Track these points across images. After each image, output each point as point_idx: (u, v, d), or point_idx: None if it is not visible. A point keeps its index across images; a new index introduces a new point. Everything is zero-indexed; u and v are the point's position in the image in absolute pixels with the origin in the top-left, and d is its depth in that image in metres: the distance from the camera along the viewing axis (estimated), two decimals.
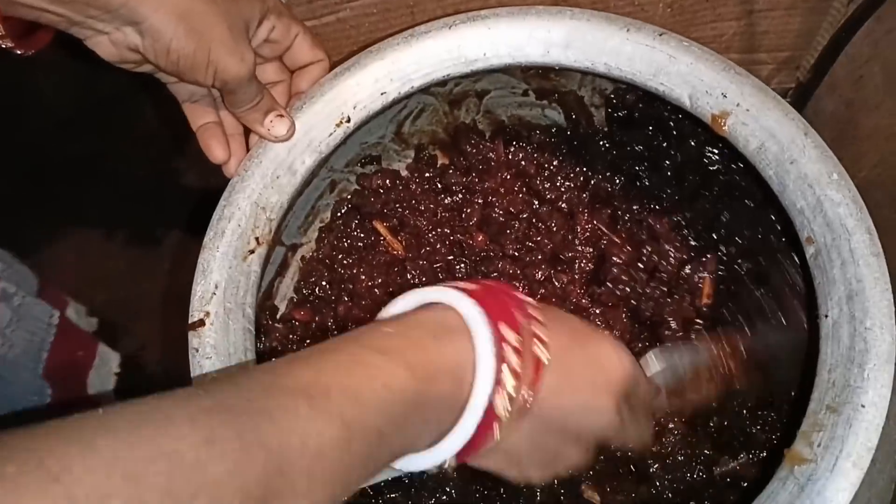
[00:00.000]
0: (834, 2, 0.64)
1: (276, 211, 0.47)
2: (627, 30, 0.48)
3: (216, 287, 0.44)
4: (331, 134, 0.48)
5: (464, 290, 0.35)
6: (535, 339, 0.35)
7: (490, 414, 0.33)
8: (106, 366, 0.84)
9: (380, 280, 0.57)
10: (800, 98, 0.70)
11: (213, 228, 0.45)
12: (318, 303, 0.57)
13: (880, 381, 0.37)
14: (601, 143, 0.57)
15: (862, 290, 0.39)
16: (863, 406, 0.36)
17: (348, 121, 0.48)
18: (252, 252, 0.45)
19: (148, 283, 0.96)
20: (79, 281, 0.96)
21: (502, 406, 0.33)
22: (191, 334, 0.43)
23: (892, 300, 0.39)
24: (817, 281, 0.40)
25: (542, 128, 0.59)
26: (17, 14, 0.40)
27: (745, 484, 0.49)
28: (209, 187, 0.96)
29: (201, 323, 0.43)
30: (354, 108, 0.48)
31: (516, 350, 0.34)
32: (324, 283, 0.57)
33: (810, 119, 0.55)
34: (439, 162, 0.61)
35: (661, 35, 0.47)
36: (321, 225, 0.60)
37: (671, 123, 0.54)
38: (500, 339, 0.33)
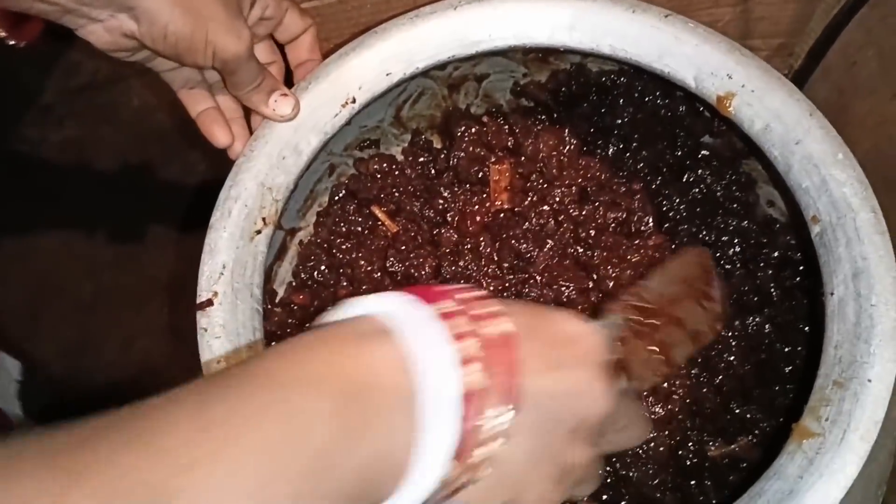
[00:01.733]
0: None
1: (282, 192, 0.47)
2: (633, 11, 0.48)
3: (224, 267, 0.44)
4: (336, 114, 0.48)
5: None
6: (491, 319, 0.30)
7: (470, 402, 0.27)
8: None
9: (378, 264, 0.57)
10: (794, 84, 0.71)
11: (220, 208, 0.45)
12: (317, 287, 0.57)
13: (886, 355, 0.38)
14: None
15: (867, 267, 0.40)
16: (869, 381, 0.38)
17: (353, 101, 0.49)
18: (259, 232, 0.45)
19: (134, 272, 0.95)
20: (59, 268, 0.95)
21: (478, 382, 0.27)
22: (199, 314, 0.43)
23: None
24: (823, 259, 0.41)
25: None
26: (7, 5, 0.40)
27: (745, 465, 0.51)
28: (193, 177, 0.96)
29: (209, 303, 0.43)
30: (360, 88, 0.49)
31: (469, 333, 0.28)
32: (322, 267, 0.57)
33: None
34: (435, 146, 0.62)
35: (666, 16, 0.48)
36: (319, 209, 0.60)
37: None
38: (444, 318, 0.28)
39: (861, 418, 0.38)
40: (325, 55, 0.50)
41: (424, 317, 0.28)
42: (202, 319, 0.43)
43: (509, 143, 0.58)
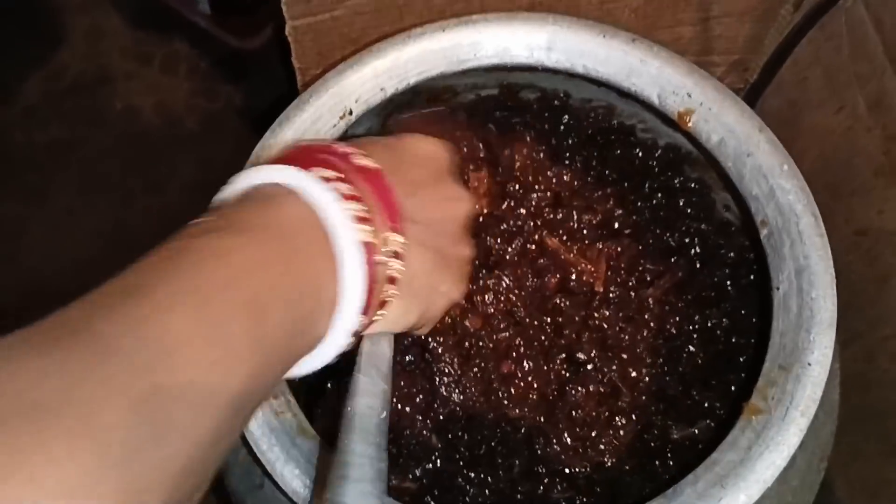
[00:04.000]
0: (781, 10, 0.71)
1: None
2: (604, 35, 0.54)
3: None
4: (334, 125, 0.53)
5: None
6: (353, 156, 0.36)
7: (369, 250, 0.33)
8: None
9: None
10: (749, 98, 0.78)
11: None
12: None
13: (824, 343, 0.44)
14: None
15: (808, 265, 0.46)
16: (809, 364, 0.44)
17: (350, 114, 0.53)
18: None
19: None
20: (46, 268, 0.98)
21: (363, 231, 0.33)
22: None
23: (833, 273, 0.46)
24: (770, 258, 0.48)
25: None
26: None
27: (704, 445, 0.56)
28: (178, 178, 1.00)
29: None
30: (356, 101, 0.53)
31: (339, 178, 0.34)
32: None
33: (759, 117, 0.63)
34: None
35: (633, 41, 0.54)
36: None
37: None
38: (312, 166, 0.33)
39: (802, 397, 0.43)
40: (324, 70, 0.55)
41: (312, 179, 0.33)
42: None
43: (483, 154, 0.63)
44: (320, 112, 0.52)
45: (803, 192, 0.48)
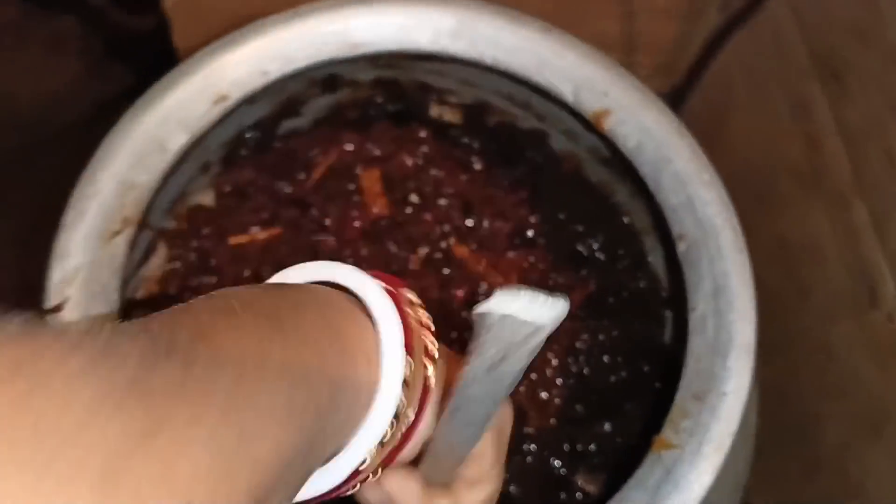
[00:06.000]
0: (706, 12, 0.69)
1: (145, 191, 0.45)
2: (515, 23, 0.50)
3: (77, 270, 0.42)
4: (206, 111, 0.47)
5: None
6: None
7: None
8: None
9: (251, 270, 0.57)
10: (674, 100, 0.75)
11: (74, 208, 0.44)
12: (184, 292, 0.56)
13: (742, 370, 0.41)
14: None
15: (727, 284, 0.43)
16: (725, 394, 0.40)
17: (226, 99, 0.48)
18: (118, 233, 0.44)
19: None
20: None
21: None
22: (48, 320, 0.41)
23: (754, 293, 0.43)
24: (687, 276, 0.44)
25: None
26: None
27: (609, 481, 0.53)
28: (43, 173, 0.92)
29: (58, 308, 0.41)
30: (233, 84, 0.48)
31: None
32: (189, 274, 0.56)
33: (684, 120, 0.60)
34: None
35: (548, 31, 0.50)
36: (192, 207, 0.59)
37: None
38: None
39: (717, 430, 0.40)
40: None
41: (391, 312, 0.29)
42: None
43: (376, 153, 0.59)
44: (187, 95, 0.46)
45: (723, 204, 0.45)
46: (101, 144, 0.46)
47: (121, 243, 0.44)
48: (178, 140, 0.47)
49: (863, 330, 0.56)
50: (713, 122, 0.72)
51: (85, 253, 0.43)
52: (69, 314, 0.42)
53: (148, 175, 0.46)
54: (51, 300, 0.42)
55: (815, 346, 0.61)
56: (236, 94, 0.48)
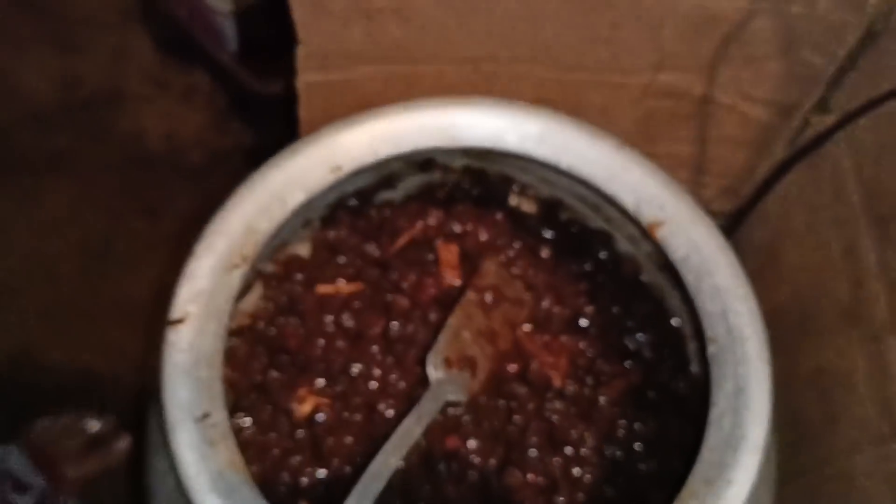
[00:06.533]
0: (774, 146, 0.76)
1: (263, 236, 0.55)
2: (594, 137, 0.59)
3: (200, 292, 0.51)
4: (323, 177, 0.57)
5: None
6: None
7: None
8: None
9: (331, 317, 0.65)
10: (734, 222, 0.82)
11: (206, 239, 0.53)
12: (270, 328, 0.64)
13: (750, 464, 0.47)
14: None
15: (747, 388, 0.49)
16: (730, 482, 0.46)
17: (340, 169, 0.57)
18: (236, 267, 0.53)
19: (96, 288, 1.01)
20: (21, 271, 1.01)
21: None
22: (169, 330, 0.50)
23: (771, 400, 0.49)
24: (713, 374, 0.50)
25: None
26: None
27: None
28: (171, 204, 1.03)
29: (181, 321, 0.50)
30: (348, 158, 0.57)
31: None
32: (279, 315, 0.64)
33: (741, 243, 0.67)
34: None
35: (620, 148, 0.58)
36: (288, 255, 0.67)
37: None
38: None
39: None
40: None
41: None
42: (171, 335, 0.50)
43: (456, 230, 0.67)
44: (309, 163, 0.56)
45: (753, 317, 0.51)
46: (234, 191, 0.55)
47: (237, 276, 0.53)
48: (296, 198, 0.56)
49: (884, 461, 0.60)
50: (768, 248, 0.78)
51: (209, 279, 0.52)
52: (187, 327, 0.50)
53: (268, 223, 0.55)
54: (175, 314, 0.51)
55: (837, 473, 0.65)
56: (348, 167, 0.58)
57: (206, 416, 0.48)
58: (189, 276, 0.52)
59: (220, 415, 0.48)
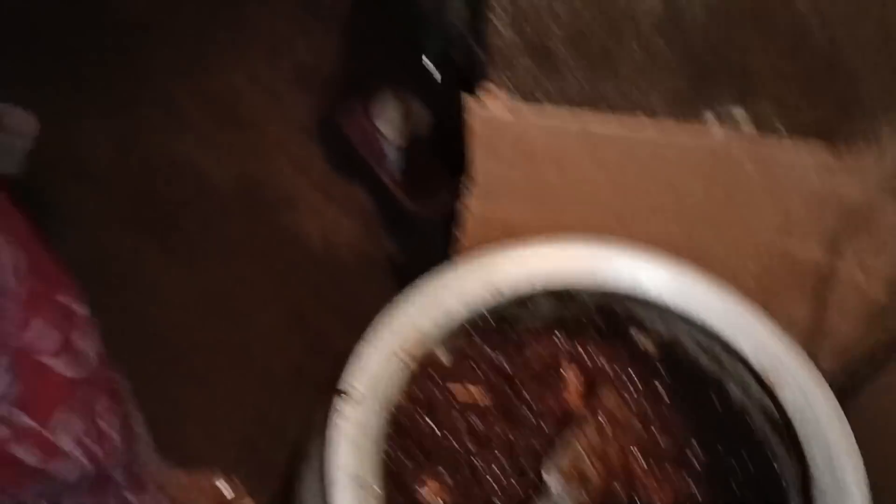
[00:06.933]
0: (890, 324, 0.81)
1: (423, 336, 0.65)
2: (722, 293, 0.66)
3: (365, 370, 0.61)
4: (483, 298, 0.67)
5: None
6: None
7: None
8: None
9: (462, 424, 0.73)
10: (851, 386, 0.85)
11: (376, 331, 0.64)
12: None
13: None
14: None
15: None
16: None
17: (500, 294, 0.67)
18: (398, 358, 0.63)
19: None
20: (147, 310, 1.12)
21: None
22: (337, 398, 0.60)
23: None
24: None
25: None
26: None
27: None
28: (318, 301, 1.15)
29: (345, 392, 0.60)
30: (508, 287, 0.68)
31: None
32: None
33: (853, 408, 0.69)
34: None
35: (746, 304, 0.66)
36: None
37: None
38: None
39: None
40: None
41: None
42: (338, 403, 0.59)
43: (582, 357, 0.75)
44: (473, 281, 0.66)
45: (856, 471, 0.56)
46: (404, 294, 0.66)
47: (397, 365, 0.63)
48: (459, 312, 0.67)
49: None
50: (879, 422, 0.81)
51: (376, 362, 0.62)
52: (353, 402, 0.60)
53: (429, 327, 0.65)
54: (344, 385, 0.60)
55: None
56: (508, 294, 0.68)
57: (365, 484, 0.56)
58: (358, 356, 0.62)
59: (376, 485, 0.57)
